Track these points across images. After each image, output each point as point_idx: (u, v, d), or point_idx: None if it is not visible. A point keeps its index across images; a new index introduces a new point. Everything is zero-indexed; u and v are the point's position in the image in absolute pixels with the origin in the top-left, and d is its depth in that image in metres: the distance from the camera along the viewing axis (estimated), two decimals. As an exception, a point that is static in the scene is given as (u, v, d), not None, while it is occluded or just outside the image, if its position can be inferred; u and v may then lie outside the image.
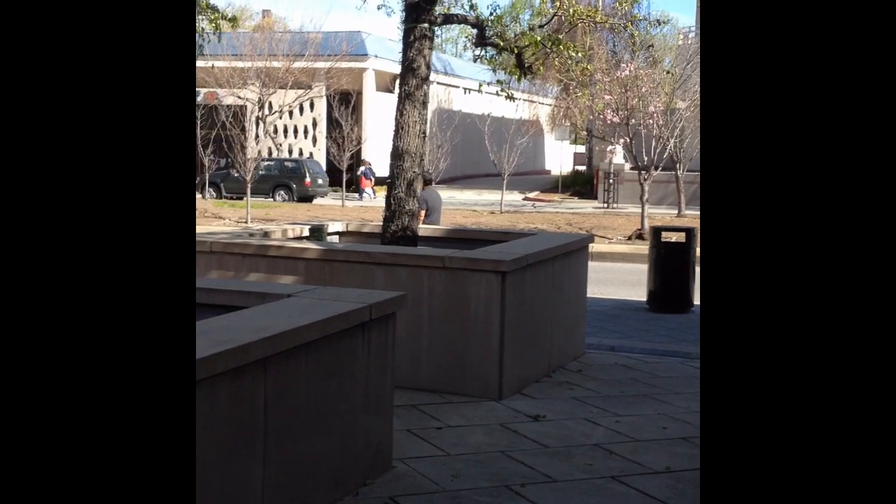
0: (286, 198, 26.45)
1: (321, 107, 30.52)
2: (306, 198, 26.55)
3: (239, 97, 26.01)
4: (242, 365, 2.78)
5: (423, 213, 9.69)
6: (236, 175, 26.57)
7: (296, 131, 31.90)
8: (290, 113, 29.65)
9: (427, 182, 10.14)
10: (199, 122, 25.03)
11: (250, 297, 3.73)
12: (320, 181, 27.45)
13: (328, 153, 27.45)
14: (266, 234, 6.44)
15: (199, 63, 21.11)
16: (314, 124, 31.60)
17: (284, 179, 26.76)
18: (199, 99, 28.77)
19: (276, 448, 3.01)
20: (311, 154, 31.95)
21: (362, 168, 27.83)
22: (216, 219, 19.87)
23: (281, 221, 17.20)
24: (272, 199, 26.29)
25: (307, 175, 26.81)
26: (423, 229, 7.09)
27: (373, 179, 28.73)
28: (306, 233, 6.80)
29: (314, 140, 31.69)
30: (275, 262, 5.60)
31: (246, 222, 18.73)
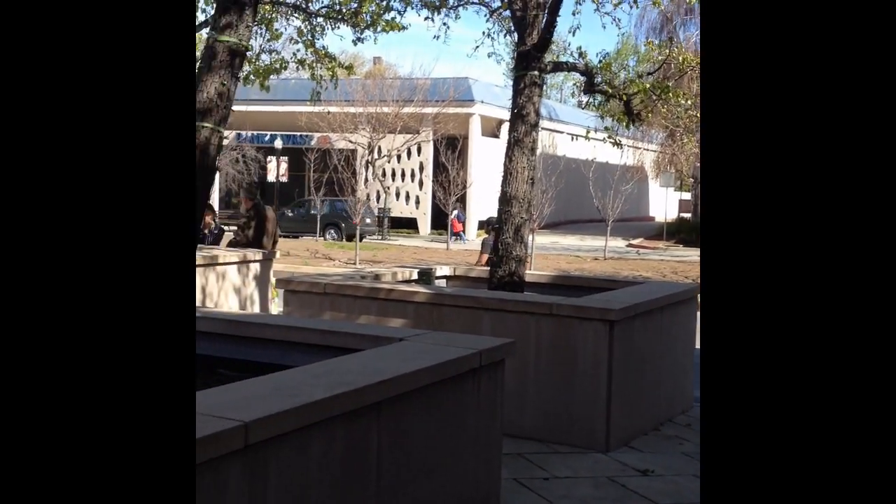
0: (335, 236, 27.53)
1: (428, 151, 31.05)
2: (354, 236, 27.50)
3: (350, 141, 26.78)
4: (357, 408, 2.84)
5: (485, 256, 9.77)
6: (290, 215, 27.50)
7: (403, 175, 32.51)
8: (398, 157, 30.29)
9: (497, 229, 10.22)
10: (312, 165, 25.88)
11: (364, 339, 3.81)
12: (368, 220, 28.40)
13: (434, 196, 27.84)
14: (377, 277, 6.57)
15: (315, 109, 21.97)
16: (421, 168, 32.13)
17: (334, 219, 27.84)
18: (312, 143, 29.76)
19: (389, 493, 3.04)
20: (417, 198, 32.45)
21: (455, 212, 28.19)
22: (326, 260, 20.37)
23: (388, 263, 17.50)
24: (322, 238, 27.21)
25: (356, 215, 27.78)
26: (529, 275, 7.09)
27: (464, 223, 29.26)
28: (415, 276, 6.91)
29: (420, 184, 32.20)
30: (385, 304, 5.70)
31: (354, 263, 19.13)
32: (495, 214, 11.43)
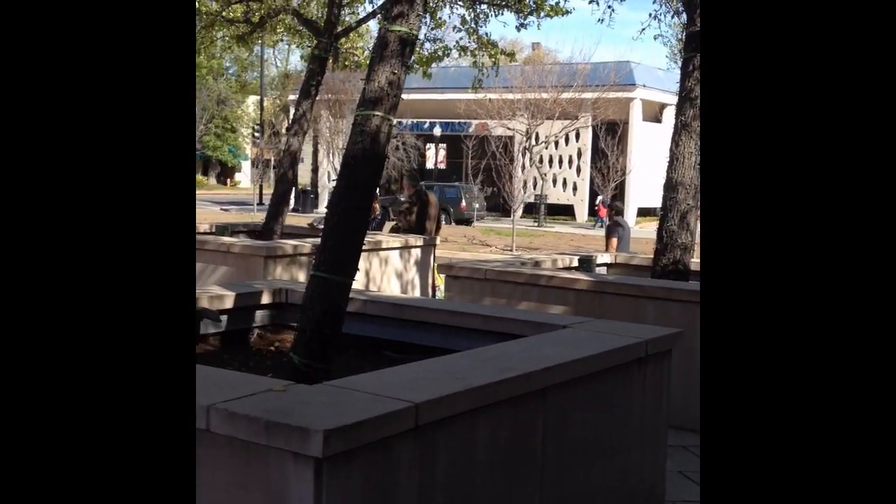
0: (445, 221, 28.19)
1: (587, 137, 30.65)
2: (463, 220, 27.93)
3: (508, 128, 26.80)
4: (524, 393, 2.85)
5: (615, 241, 9.53)
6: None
7: (560, 161, 32.26)
8: (556, 143, 30.06)
9: (618, 212, 9.98)
10: (470, 152, 26.14)
11: (527, 326, 3.82)
12: (476, 205, 28.64)
13: (592, 183, 27.47)
14: (537, 264, 6.56)
15: (474, 96, 22.17)
16: (579, 154, 31.77)
17: (443, 203, 28.27)
18: (470, 130, 30.04)
19: (554, 479, 3.04)
20: (574, 184, 32.12)
21: (601, 197, 27.70)
22: (483, 246, 20.55)
23: (545, 250, 17.44)
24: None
25: (463, 200, 27.96)
26: (694, 264, 6.87)
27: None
28: (575, 263, 6.85)
29: (578, 170, 31.85)
30: (546, 291, 5.69)
31: (511, 250, 19.19)
32: (611, 198, 11.11)
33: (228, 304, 4.20)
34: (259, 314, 4.43)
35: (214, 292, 4.26)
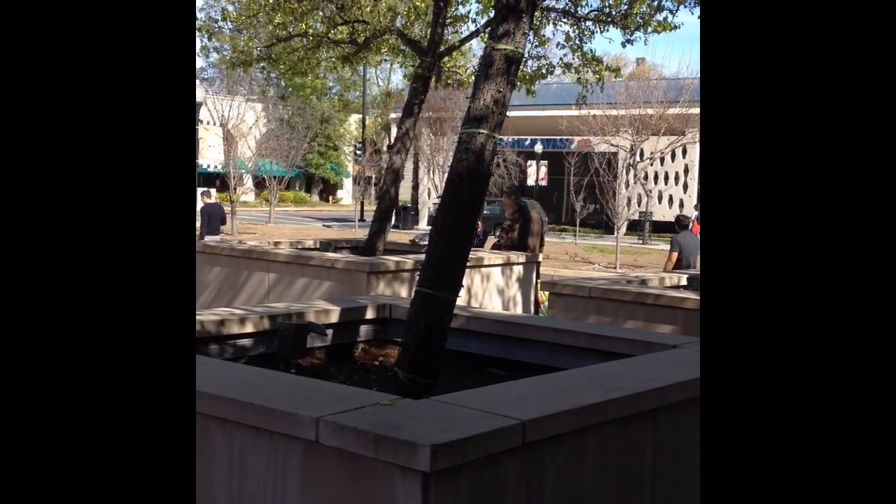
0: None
1: (694, 153, 30.00)
2: None
3: (612, 144, 26.49)
4: (632, 414, 2.79)
5: (675, 255, 9.19)
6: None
7: (666, 178, 31.67)
8: (662, 159, 29.54)
9: (683, 227, 9.62)
10: (572, 169, 25.92)
11: (635, 345, 3.74)
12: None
13: (700, 199, 26.79)
14: (643, 282, 6.43)
15: (578, 112, 22.03)
16: (686, 171, 31.12)
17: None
18: (573, 146, 29.83)
19: (664, 501, 2.96)
20: (680, 201, 31.48)
21: (696, 213, 26.93)
22: (585, 263, 20.33)
23: (650, 268, 17.12)
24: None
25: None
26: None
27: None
28: (684, 282, 6.69)
29: (685, 186, 31.19)
30: (652, 310, 5.57)
31: (615, 268, 18.92)
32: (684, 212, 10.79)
33: (334, 318, 4.27)
34: (363, 329, 4.49)
35: (320, 307, 4.34)
